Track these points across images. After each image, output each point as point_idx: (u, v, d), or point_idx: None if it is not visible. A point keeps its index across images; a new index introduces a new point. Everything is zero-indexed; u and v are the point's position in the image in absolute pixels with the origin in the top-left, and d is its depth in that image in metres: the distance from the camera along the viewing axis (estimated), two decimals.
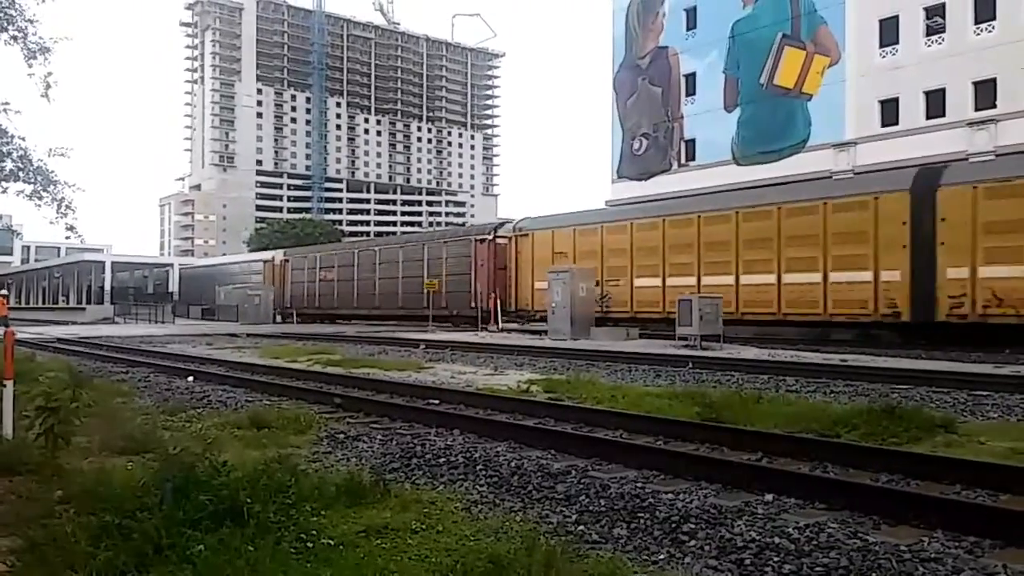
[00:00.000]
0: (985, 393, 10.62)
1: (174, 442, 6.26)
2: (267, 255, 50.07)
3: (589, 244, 27.30)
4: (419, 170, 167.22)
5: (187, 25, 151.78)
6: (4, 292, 38.45)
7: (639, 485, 5.68)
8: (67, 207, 12.56)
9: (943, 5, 34.38)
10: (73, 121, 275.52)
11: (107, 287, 58.16)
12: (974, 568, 3.87)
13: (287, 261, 45.75)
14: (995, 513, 4.68)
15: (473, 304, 30.84)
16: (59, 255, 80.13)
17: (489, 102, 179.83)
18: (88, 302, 57.71)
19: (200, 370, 14.36)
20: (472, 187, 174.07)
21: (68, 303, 62.86)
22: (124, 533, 3.91)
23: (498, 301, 30.32)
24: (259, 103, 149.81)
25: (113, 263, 61.27)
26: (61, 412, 6.13)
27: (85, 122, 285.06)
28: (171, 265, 65.82)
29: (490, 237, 31.59)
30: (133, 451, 6.58)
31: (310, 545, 3.98)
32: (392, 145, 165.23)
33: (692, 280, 23.83)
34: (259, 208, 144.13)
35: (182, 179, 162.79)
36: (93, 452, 6.59)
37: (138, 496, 4.49)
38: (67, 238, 14.97)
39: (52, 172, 12.50)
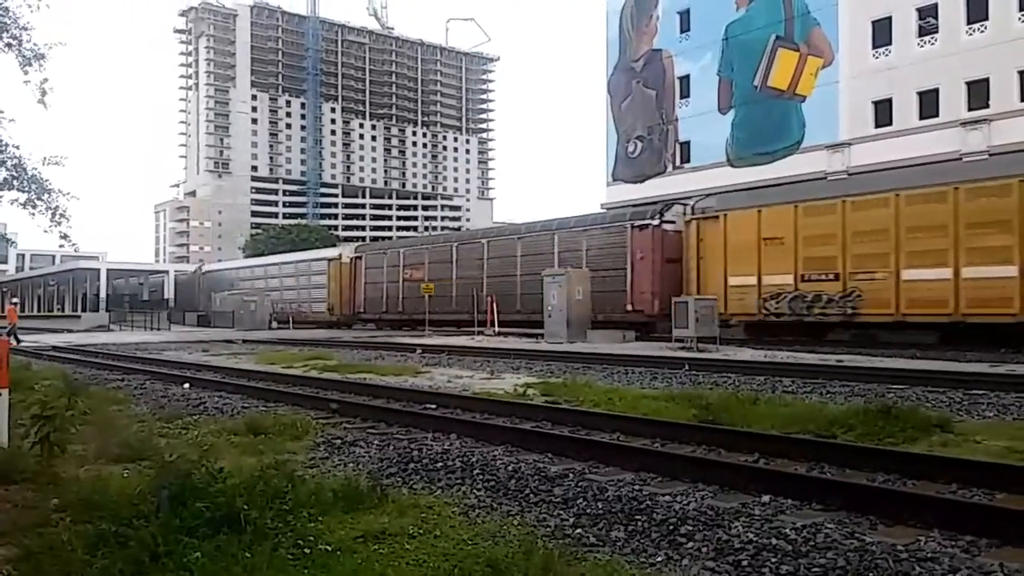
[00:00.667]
0: (981, 392, 10.66)
1: (170, 449, 6.24)
2: (331, 252, 44.84)
3: (821, 225, 21.36)
4: (414, 175, 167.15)
5: (181, 32, 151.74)
6: (16, 300, 38.37)
7: (636, 487, 5.68)
8: (61, 216, 12.54)
9: (935, 6, 34.53)
10: (67, 128, 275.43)
11: (102, 294, 58.04)
12: (971, 567, 3.88)
13: (359, 258, 40.44)
14: (991, 512, 4.69)
15: (631, 306, 25.86)
16: (54, 263, 79.89)
17: (484, 106, 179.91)
18: (83, 310, 57.57)
19: (196, 377, 14.34)
20: (467, 191, 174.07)
21: (63, 311, 62.73)
22: (121, 541, 3.91)
23: (494, 307, 29.88)
24: (254, 109, 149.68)
25: (108, 270, 61.16)
26: (57, 420, 6.12)
27: (79, 129, 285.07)
28: (166, 272, 65.70)
29: (655, 222, 25.95)
30: (129, 459, 6.56)
31: (307, 551, 3.98)
32: (387, 150, 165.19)
33: (1009, 271, 17.70)
34: (254, 214, 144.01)
35: (177, 186, 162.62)
36: (89, 460, 6.56)
37: (134, 504, 4.48)
38: (61, 247, 14.90)
39: (47, 181, 12.47)
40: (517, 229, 32.85)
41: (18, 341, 26.62)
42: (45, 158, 12.47)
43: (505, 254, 31.30)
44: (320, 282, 42.39)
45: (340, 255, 42.39)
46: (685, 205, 26.20)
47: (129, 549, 3.80)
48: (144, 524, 4.05)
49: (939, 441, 7.20)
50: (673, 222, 25.87)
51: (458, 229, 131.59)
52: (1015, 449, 6.77)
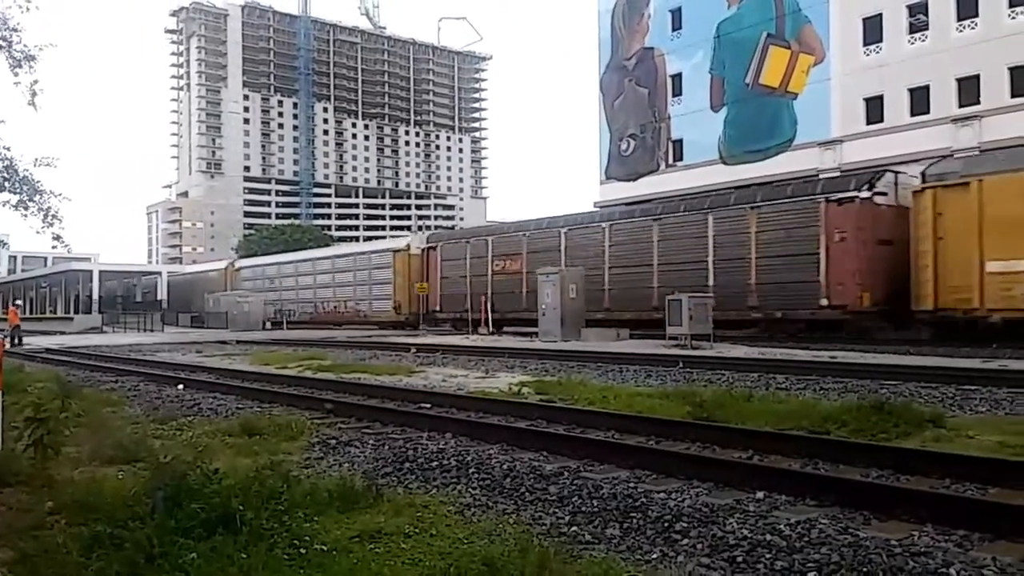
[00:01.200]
0: (973, 387, 10.71)
1: (165, 451, 6.23)
2: (397, 243, 40.40)
3: None
4: (407, 174, 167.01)
5: (172, 32, 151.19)
6: (19, 302, 38.28)
7: (631, 485, 5.70)
8: (53, 217, 12.47)
9: (926, 3, 34.61)
10: (59, 129, 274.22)
11: (95, 296, 57.74)
12: (963, 561, 3.90)
13: (433, 249, 35.58)
14: (984, 506, 4.72)
15: (826, 300, 21.36)
16: (46, 265, 79.49)
17: (476, 105, 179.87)
18: (76, 312, 57.28)
19: (190, 378, 14.31)
20: (461, 190, 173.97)
21: (56, 313, 62.41)
22: (116, 543, 3.90)
23: (488, 306, 29.72)
24: (246, 109, 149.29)
25: (101, 272, 60.84)
26: (50, 422, 6.10)
27: (71, 130, 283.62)
28: (159, 273, 65.41)
29: (863, 194, 21.02)
30: (124, 460, 6.55)
31: (303, 551, 3.98)
32: (380, 149, 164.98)
33: None
34: (247, 215, 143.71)
35: (169, 186, 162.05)
36: (83, 462, 6.55)
37: (129, 505, 4.48)
38: (53, 248, 14.84)
39: (38, 182, 12.40)
40: (651, 210, 27.62)
41: (11, 343, 26.45)
42: (36, 159, 12.40)
43: (635, 239, 26.48)
44: (382, 277, 38.25)
45: (408, 245, 38.09)
46: (898, 173, 22.06)
47: (124, 551, 3.80)
48: (139, 526, 4.05)
49: (932, 436, 7.24)
50: (885, 193, 21.30)
51: (452, 228, 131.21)
52: (1007, 444, 6.81)
